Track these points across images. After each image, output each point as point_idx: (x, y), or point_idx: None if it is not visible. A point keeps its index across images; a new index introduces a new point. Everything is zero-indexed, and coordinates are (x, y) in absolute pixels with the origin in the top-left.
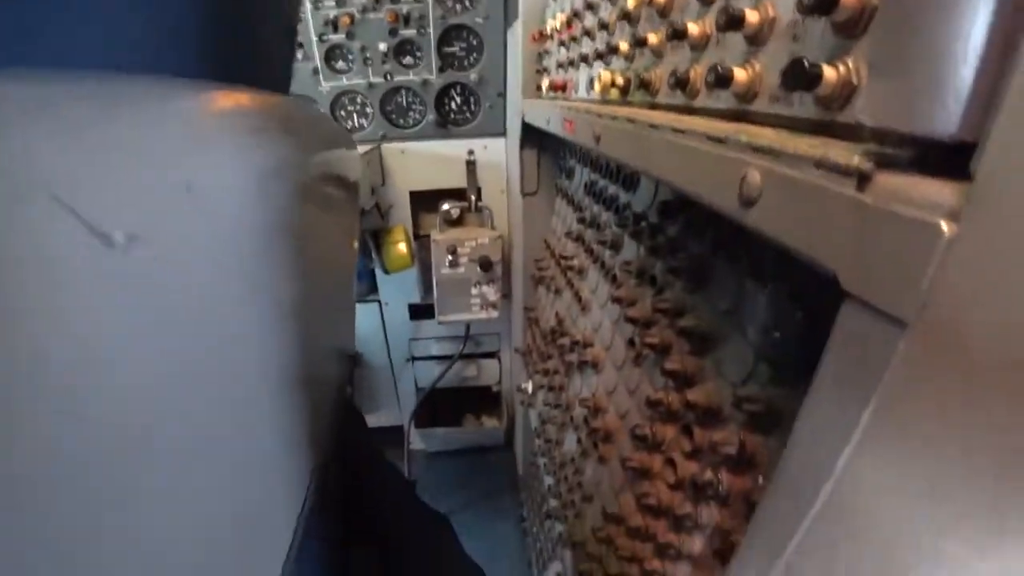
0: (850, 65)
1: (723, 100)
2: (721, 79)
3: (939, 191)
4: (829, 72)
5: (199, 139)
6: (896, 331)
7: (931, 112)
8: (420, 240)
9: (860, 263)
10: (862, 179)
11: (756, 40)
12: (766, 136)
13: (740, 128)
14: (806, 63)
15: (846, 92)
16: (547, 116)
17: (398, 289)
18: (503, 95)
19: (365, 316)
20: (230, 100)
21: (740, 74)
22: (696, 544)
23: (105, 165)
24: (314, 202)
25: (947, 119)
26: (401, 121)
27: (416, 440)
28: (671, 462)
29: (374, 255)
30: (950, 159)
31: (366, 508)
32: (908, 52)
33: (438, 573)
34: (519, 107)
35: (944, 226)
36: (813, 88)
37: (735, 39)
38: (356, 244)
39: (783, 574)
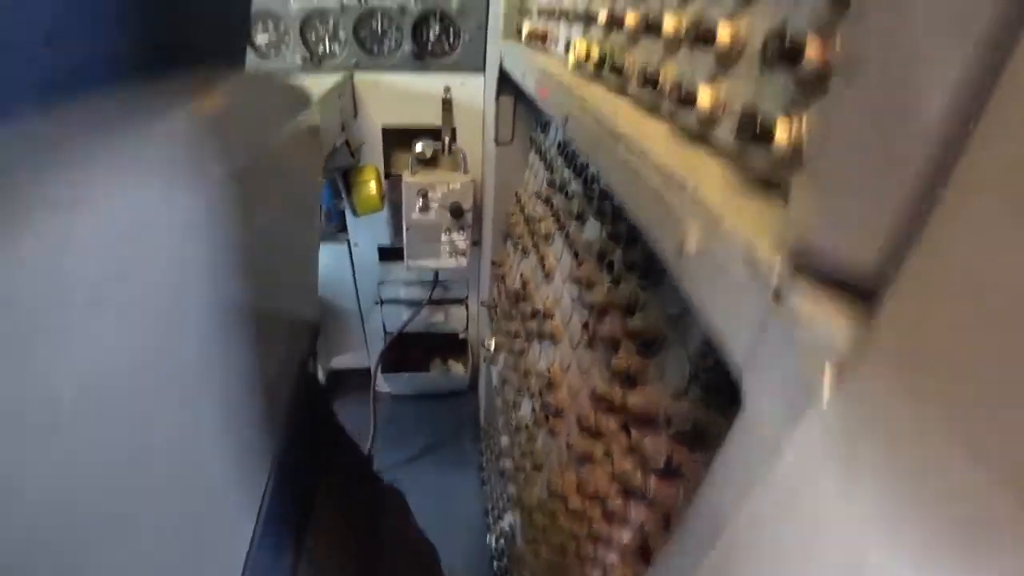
0: (803, 126)
1: (688, 117)
2: (686, 99)
3: (842, 320)
4: (781, 133)
5: (137, 185)
6: (775, 454)
7: (850, 244)
8: (391, 179)
9: (760, 373)
10: (778, 293)
11: (725, 61)
12: (713, 192)
13: (695, 167)
14: (759, 120)
15: (798, 155)
16: (523, 70)
17: (368, 230)
18: (484, 28)
19: (334, 257)
20: (164, 120)
21: (704, 97)
22: (624, 536)
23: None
24: (271, 197)
25: (865, 256)
26: (375, 49)
27: (382, 383)
28: (610, 454)
29: (344, 196)
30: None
31: (324, 488)
32: (839, 179)
33: (392, 547)
34: (498, 46)
35: (828, 369)
36: (765, 145)
37: (705, 57)
38: (319, 203)
39: None
